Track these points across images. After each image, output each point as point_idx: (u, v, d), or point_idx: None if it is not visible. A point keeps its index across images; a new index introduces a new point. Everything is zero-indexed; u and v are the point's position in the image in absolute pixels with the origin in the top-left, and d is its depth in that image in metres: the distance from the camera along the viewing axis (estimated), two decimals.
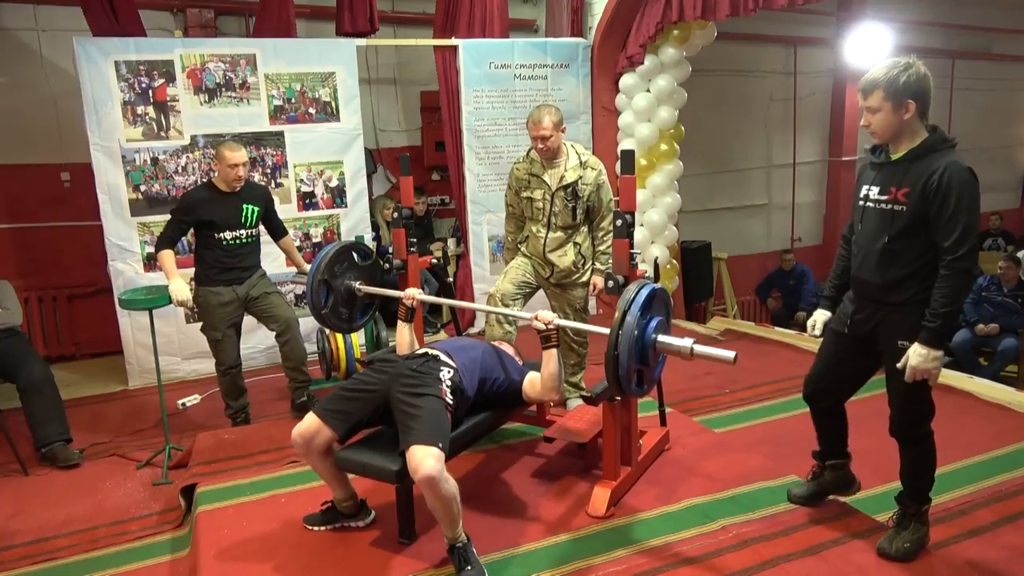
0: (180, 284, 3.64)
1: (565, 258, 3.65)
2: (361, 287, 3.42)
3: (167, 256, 3.75)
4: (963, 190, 2.21)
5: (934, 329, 2.25)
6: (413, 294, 3.11)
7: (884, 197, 2.36)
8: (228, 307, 3.85)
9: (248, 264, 3.93)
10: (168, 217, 3.87)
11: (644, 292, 2.57)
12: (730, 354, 2.49)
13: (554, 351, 2.75)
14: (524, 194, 3.68)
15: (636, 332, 2.51)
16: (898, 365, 2.35)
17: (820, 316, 2.69)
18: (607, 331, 2.54)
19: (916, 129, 2.31)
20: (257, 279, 3.97)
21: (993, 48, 10.23)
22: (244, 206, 3.86)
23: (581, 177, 3.56)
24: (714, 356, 2.54)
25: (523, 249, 3.80)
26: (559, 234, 3.64)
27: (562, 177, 3.56)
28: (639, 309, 2.52)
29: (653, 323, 2.61)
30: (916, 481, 2.54)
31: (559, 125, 3.48)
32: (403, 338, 3.09)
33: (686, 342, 2.57)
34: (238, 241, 3.87)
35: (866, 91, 2.32)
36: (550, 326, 2.72)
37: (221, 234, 3.81)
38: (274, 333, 4.02)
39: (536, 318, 2.74)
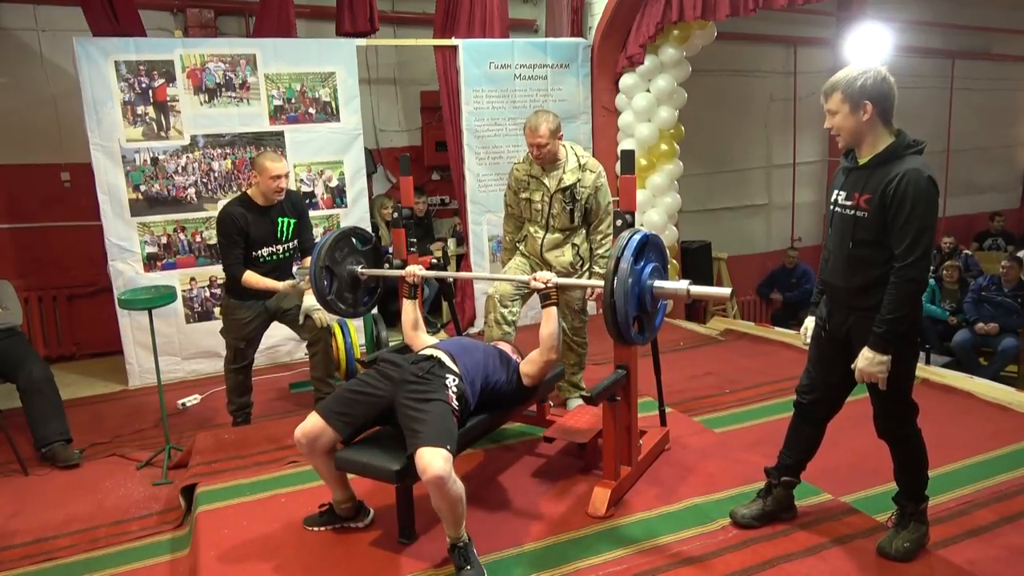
0: (286, 282, 3.70)
1: (562, 258, 3.65)
2: (364, 271, 3.44)
3: (253, 276, 3.68)
4: (919, 198, 2.20)
5: (880, 335, 2.28)
6: (414, 271, 3.16)
7: (849, 203, 2.37)
8: (254, 322, 3.82)
9: (283, 278, 3.83)
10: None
11: (636, 238, 2.56)
12: (726, 290, 2.58)
13: (553, 309, 2.83)
14: (523, 195, 3.68)
15: (631, 279, 2.50)
16: (852, 367, 2.38)
17: (810, 323, 2.67)
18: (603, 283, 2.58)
19: (879, 133, 2.32)
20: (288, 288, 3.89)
21: (993, 48, 10.23)
22: (279, 220, 3.76)
23: (580, 180, 3.55)
24: (711, 294, 2.63)
25: (521, 248, 3.80)
26: (556, 235, 3.64)
27: (561, 180, 3.56)
28: (632, 254, 2.51)
29: (648, 268, 2.61)
30: (909, 480, 2.54)
31: (556, 133, 3.46)
32: (408, 316, 3.16)
33: (682, 284, 2.60)
34: (275, 257, 3.79)
35: (827, 93, 2.35)
36: (549, 284, 2.82)
37: (258, 251, 3.73)
38: (305, 342, 3.98)
39: (534, 278, 2.84)
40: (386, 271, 3.45)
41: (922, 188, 2.21)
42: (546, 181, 3.58)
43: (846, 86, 2.29)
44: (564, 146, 3.58)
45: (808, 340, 2.67)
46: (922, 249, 2.22)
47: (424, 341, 3.06)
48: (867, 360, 2.31)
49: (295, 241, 3.89)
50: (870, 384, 2.41)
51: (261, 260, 3.76)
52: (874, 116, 2.28)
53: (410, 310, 3.16)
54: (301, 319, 3.83)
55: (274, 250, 3.79)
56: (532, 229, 3.70)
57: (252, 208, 3.71)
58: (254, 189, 3.73)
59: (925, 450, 2.52)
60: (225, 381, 4.02)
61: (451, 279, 5.73)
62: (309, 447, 2.57)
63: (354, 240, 3.46)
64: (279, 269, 3.84)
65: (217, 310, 4.67)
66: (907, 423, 2.49)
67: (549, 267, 3.67)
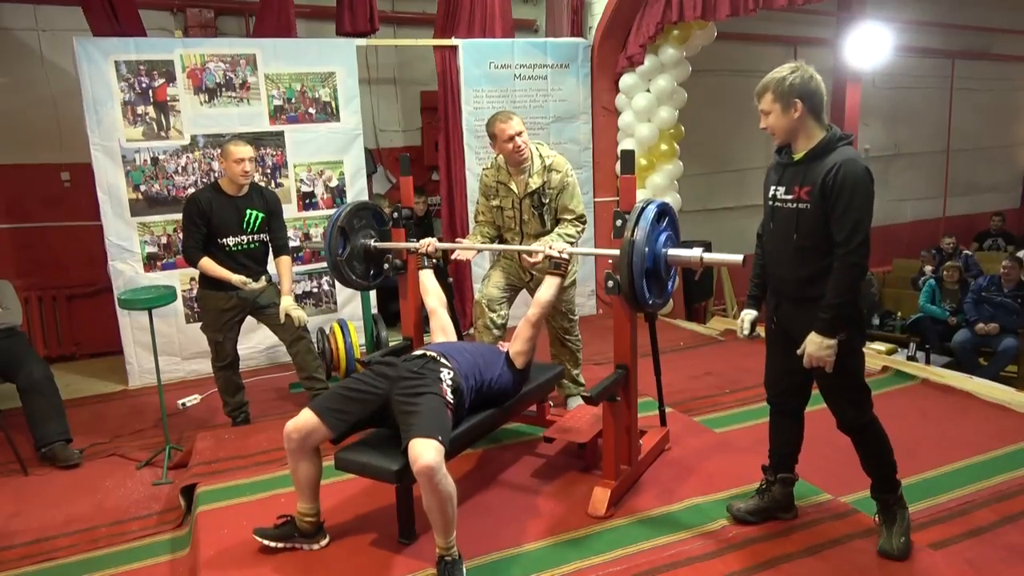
0: (239, 276, 3.71)
1: (543, 266, 3.55)
2: (376, 244, 3.50)
3: (210, 263, 3.70)
4: (857, 186, 2.28)
5: (827, 319, 2.35)
6: (430, 241, 3.33)
7: (789, 196, 2.44)
8: (229, 312, 3.82)
9: (253, 271, 3.83)
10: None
11: (653, 205, 2.67)
12: (738, 257, 2.60)
13: (558, 280, 3.00)
14: (493, 202, 3.59)
15: (647, 248, 2.60)
16: (798, 352, 2.43)
17: (747, 316, 2.72)
18: (616, 252, 2.66)
19: (811, 129, 2.40)
20: (262, 285, 3.88)
21: (993, 48, 10.23)
22: (247, 211, 3.79)
23: (546, 181, 3.44)
24: (723, 261, 2.66)
25: (504, 262, 3.71)
26: (533, 243, 3.49)
27: (527, 184, 3.46)
28: (652, 217, 2.63)
29: (663, 236, 2.71)
30: (879, 469, 2.56)
31: (522, 121, 3.42)
32: (427, 284, 3.31)
33: (696, 251, 2.69)
34: (241, 247, 3.80)
35: (759, 94, 2.43)
36: (563, 254, 2.99)
37: (224, 239, 3.75)
38: (285, 343, 3.96)
39: (550, 246, 3.00)
40: (397, 244, 3.47)
41: (859, 177, 2.30)
42: (513, 186, 3.49)
43: (775, 86, 2.38)
44: (530, 146, 3.46)
45: (746, 333, 2.72)
46: (862, 235, 2.30)
47: (442, 313, 3.20)
48: (815, 344, 2.37)
49: (264, 235, 3.88)
50: (822, 382, 2.48)
51: (227, 249, 3.76)
52: (805, 113, 2.38)
53: (427, 279, 3.31)
54: (282, 318, 3.82)
55: (240, 240, 3.80)
56: (509, 237, 3.61)
57: (220, 195, 3.76)
58: (224, 178, 3.79)
59: (887, 436, 2.54)
60: (215, 383, 4.03)
61: (450, 281, 5.75)
62: (300, 443, 2.55)
63: (373, 216, 3.52)
64: (251, 260, 3.84)
65: None
66: (865, 411, 2.52)
67: (532, 275, 3.60)
